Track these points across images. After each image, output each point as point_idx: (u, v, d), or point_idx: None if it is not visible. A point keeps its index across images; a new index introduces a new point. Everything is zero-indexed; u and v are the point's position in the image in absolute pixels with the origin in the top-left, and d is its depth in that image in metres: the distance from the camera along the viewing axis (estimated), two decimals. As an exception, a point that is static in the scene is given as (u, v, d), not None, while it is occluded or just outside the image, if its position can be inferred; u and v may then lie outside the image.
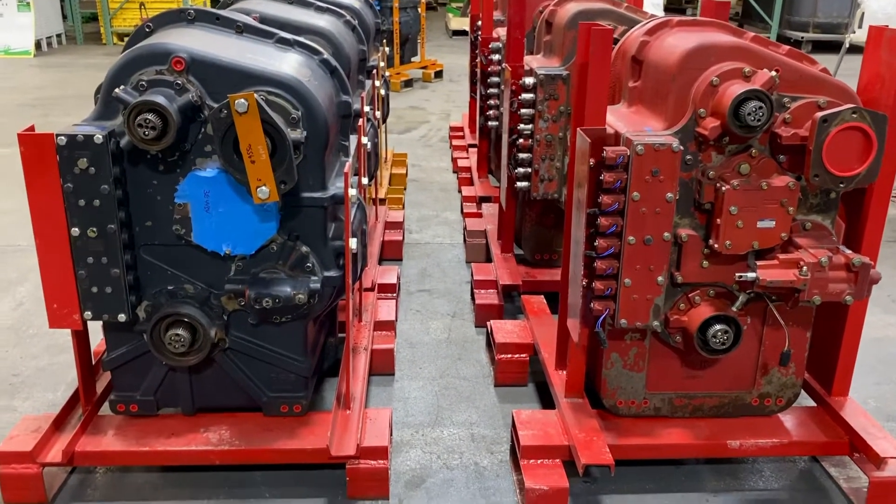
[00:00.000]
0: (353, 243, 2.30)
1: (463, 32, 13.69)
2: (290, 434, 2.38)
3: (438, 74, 9.71)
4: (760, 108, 2.01)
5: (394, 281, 3.52)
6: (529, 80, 3.26)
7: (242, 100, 1.94)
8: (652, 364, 2.42)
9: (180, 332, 2.24)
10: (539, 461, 2.37)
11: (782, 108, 2.13)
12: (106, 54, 11.35)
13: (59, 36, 12.13)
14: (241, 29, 2.35)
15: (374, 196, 4.33)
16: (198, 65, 2.09)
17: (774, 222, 2.13)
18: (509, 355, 2.99)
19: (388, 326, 3.14)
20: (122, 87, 2.05)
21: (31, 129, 2.09)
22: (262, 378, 2.40)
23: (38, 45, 11.38)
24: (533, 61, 3.46)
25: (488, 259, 4.16)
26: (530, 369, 3.03)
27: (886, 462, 2.27)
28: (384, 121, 4.64)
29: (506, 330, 3.07)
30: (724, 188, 2.11)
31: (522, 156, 3.37)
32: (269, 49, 2.31)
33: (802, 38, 12.10)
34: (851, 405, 2.49)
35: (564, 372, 2.62)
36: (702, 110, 2.13)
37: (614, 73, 2.52)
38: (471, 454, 2.62)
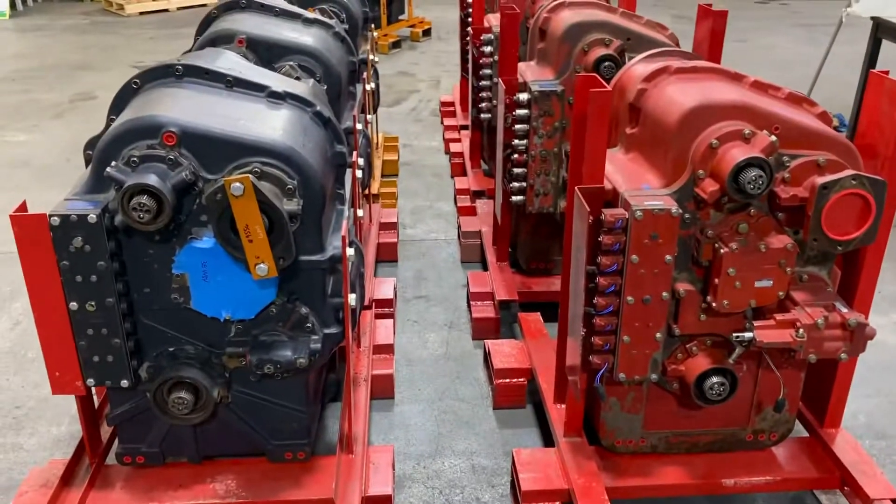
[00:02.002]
0: (352, 299, 2.31)
1: (450, -19, 13.36)
2: (296, 482, 2.43)
3: (427, 33, 9.51)
4: (760, 176, 2.00)
5: (391, 295, 3.53)
6: (523, 97, 3.21)
7: (238, 183, 1.91)
8: (649, 406, 2.47)
9: (183, 394, 2.25)
10: (539, 505, 2.44)
11: (781, 166, 2.11)
12: (84, 13, 11.04)
13: (34, -7, 11.75)
14: (230, 83, 2.29)
15: (367, 193, 4.29)
16: (189, 137, 2.04)
17: (772, 282, 2.14)
18: (507, 380, 3.04)
19: (386, 350, 3.17)
20: (113, 163, 2.01)
21: (23, 207, 2.05)
22: (265, 428, 2.44)
23: (12, 4, 11.03)
24: (527, 71, 3.39)
25: (482, 259, 4.17)
26: (528, 389, 3.08)
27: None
28: (375, 110, 4.57)
29: (503, 353, 3.11)
30: (722, 250, 2.12)
31: (517, 171, 3.34)
32: (260, 107, 2.26)
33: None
34: (843, 438, 2.55)
35: (562, 406, 2.67)
36: (700, 172, 2.11)
37: (611, 109, 2.49)
38: (472, 489, 2.68)
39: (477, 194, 4.57)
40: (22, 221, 2.02)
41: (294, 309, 2.25)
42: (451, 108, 6.28)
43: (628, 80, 2.45)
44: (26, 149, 5.89)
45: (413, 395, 3.17)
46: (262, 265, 2.03)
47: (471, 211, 4.44)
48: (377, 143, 5.15)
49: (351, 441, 2.55)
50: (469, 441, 2.91)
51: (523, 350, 3.12)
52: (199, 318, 2.24)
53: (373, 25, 4.85)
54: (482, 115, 4.46)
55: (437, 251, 4.36)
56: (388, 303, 3.50)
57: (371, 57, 4.28)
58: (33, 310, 2.12)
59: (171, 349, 2.29)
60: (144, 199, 1.95)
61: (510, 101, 3.27)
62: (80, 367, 2.19)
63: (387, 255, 4.18)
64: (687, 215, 2.16)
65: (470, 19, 5.28)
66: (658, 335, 2.20)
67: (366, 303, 3.37)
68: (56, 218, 2.00)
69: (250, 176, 1.94)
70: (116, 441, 2.49)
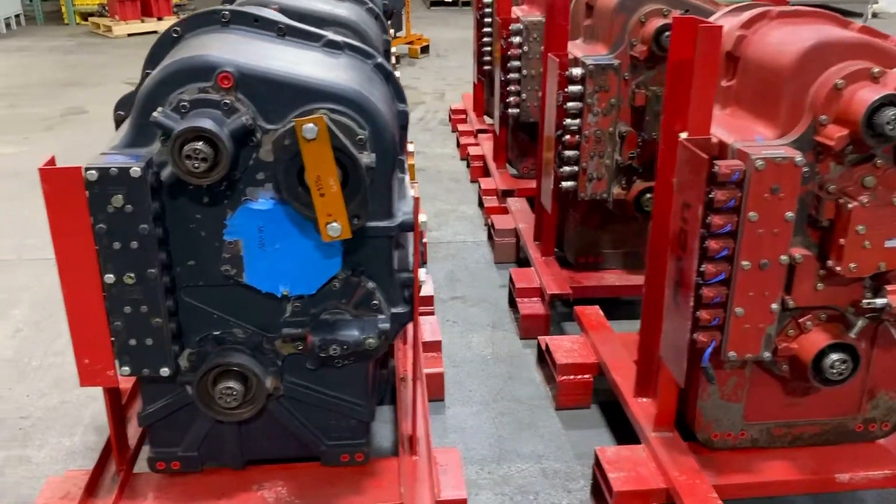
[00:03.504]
0: (421, 274, 2.03)
1: (442, 3, 13.30)
2: (355, 487, 2.12)
3: (425, 49, 9.35)
4: (901, 115, 1.77)
5: (431, 293, 3.25)
6: (577, 71, 2.98)
7: (311, 124, 1.64)
8: (751, 393, 2.20)
9: (232, 384, 1.96)
10: (634, 507, 2.15)
11: (912, 112, 1.89)
12: (69, 35, 10.78)
13: (17, 16, 11.44)
14: (283, 31, 2.03)
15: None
16: (247, 80, 1.78)
17: (904, 241, 1.90)
18: (571, 376, 2.75)
19: (434, 347, 2.88)
20: (160, 109, 1.74)
21: (52, 162, 1.77)
22: (319, 426, 2.13)
23: (-5, 26, 10.75)
24: (575, 49, 3.17)
25: (517, 259, 3.92)
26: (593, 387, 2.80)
27: None
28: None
29: (565, 348, 2.83)
30: (850, 205, 1.88)
31: (568, 153, 3.10)
32: (318, 55, 2.00)
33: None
34: (960, 426, 2.30)
35: (646, 399, 2.40)
36: (823, 117, 1.88)
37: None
38: (546, 494, 2.39)
39: (506, 194, 4.32)
40: (52, 176, 1.73)
41: (359, 283, 1.97)
42: (463, 116, 6.07)
43: (715, 34, 2.22)
44: (16, 160, 5.56)
45: (464, 396, 2.87)
46: (334, 224, 1.75)
47: (501, 210, 4.19)
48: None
49: (415, 443, 2.25)
50: (534, 444, 2.61)
51: (586, 345, 2.85)
52: (251, 295, 1.95)
53: (389, 22, 4.65)
54: (510, 111, 4.24)
55: (468, 253, 4.09)
56: (429, 300, 3.22)
57: (393, 49, 4.06)
58: (62, 284, 1.82)
59: (216, 333, 1.99)
60: (200, 145, 1.67)
61: (562, 78, 3.04)
62: (115, 353, 1.88)
63: (415, 255, 3.90)
64: (805, 169, 1.92)
65: (487, 20, 5.10)
66: (774, 306, 1.95)
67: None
68: (93, 172, 1.72)
69: (325, 116, 1.67)
70: (146, 446, 2.18)
